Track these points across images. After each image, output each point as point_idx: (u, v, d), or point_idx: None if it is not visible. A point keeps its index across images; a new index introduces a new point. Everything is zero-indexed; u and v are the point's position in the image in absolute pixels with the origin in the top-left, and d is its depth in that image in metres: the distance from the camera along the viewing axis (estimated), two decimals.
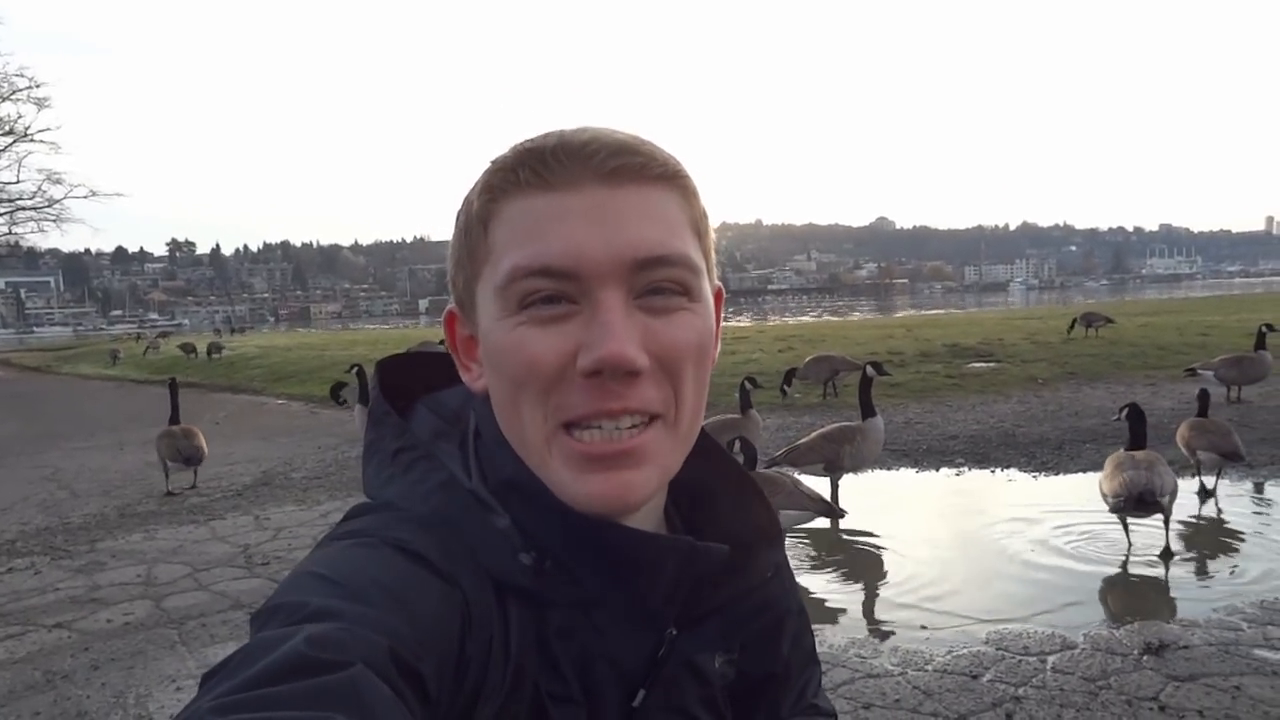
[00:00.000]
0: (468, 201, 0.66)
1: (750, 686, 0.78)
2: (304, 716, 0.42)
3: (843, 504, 6.18)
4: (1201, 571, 4.65)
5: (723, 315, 0.73)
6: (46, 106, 34.43)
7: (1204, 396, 6.30)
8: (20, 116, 34.50)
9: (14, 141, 33.11)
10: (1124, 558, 4.87)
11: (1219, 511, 5.69)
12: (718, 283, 0.71)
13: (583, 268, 0.60)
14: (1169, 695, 3.21)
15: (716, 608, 0.72)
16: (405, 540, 0.60)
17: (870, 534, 5.68)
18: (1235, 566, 4.67)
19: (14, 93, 32.36)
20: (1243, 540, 5.11)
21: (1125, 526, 5.05)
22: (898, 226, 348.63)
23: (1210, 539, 5.17)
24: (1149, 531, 5.10)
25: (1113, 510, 4.87)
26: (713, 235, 0.69)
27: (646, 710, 0.68)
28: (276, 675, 0.45)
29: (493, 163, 0.65)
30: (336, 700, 0.44)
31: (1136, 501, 4.65)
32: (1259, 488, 6.22)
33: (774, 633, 0.80)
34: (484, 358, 0.66)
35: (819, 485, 6.32)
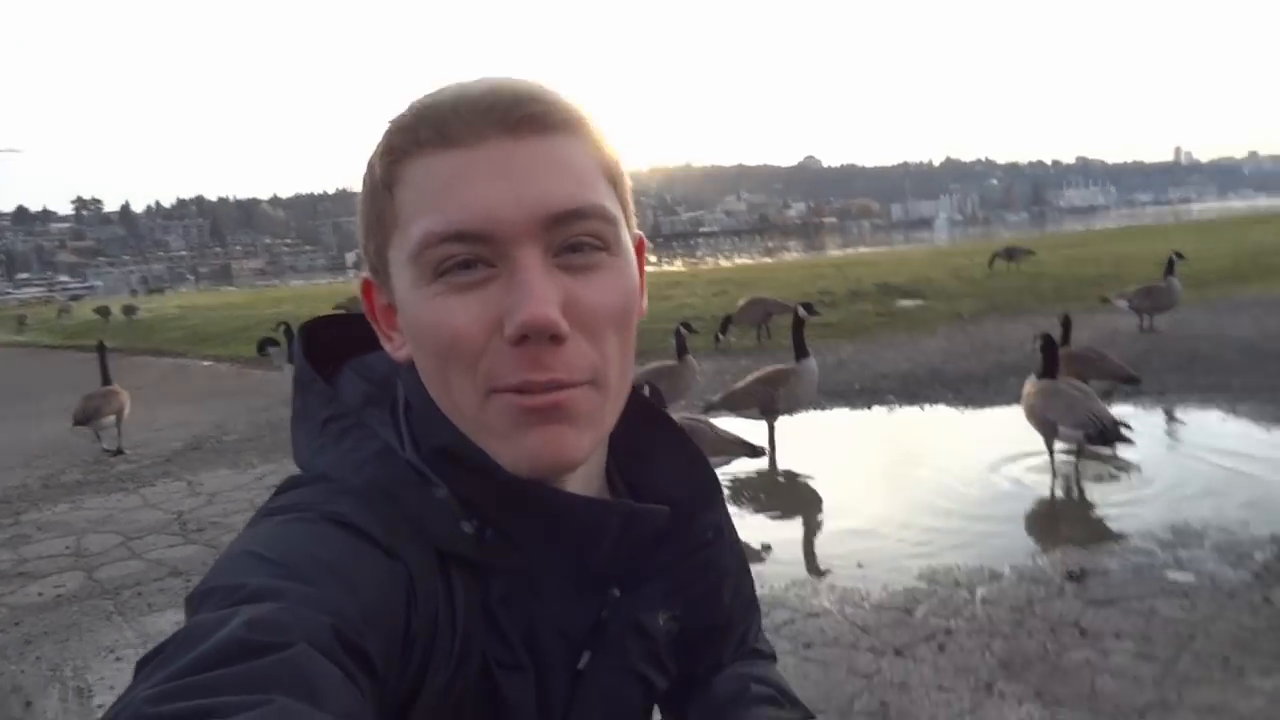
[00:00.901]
0: (370, 165, 0.63)
1: (693, 639, 0.78)
2: (244, 700, 0.41)
3: (779, 445, 6.34)
4: (1117, 498, 4.88)
5: (646, 263, 0.71)
6: None
7: (1049, 344, 5.46)
8: None
9: None
10: (1051, 487, 5.09)
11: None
12: (638, 232, 0.69)
13: (496, 229, 0.58)
14: (1089, 620, 3.39)
15: (659, 569, 0.73)
16: (343, 514, 0.58)
17: (807, 474, 5.83)
18: (1147, 491, 4.91)
19: None
20: (1154, 465, 5.35)
21: (1053, 454, 5.24)
22: (825, 165, 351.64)
23: (1122, 465, 5.39)
24: (1071, 461, 5.33)
25: (1079, 441, 4.95)
26: (629, 181, 0.67)
27: (593, 671, 0.68)
28: (215, 660, 0.44)
29: (391, 122, 0.62)
30: (279, 682, 0.43)
31: (1112, 431, 4.76)
32: (1169, 414, 6.52)
33: (715, 589, 0.80)
34: (404, 328, 0.64)
35: (756, 428, 6.45)
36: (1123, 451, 5.17)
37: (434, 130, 0.59)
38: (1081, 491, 5.01)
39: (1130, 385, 6.56)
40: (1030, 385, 5.27)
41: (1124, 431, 4.82)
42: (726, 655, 0.84)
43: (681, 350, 7.28)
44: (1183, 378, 7.41)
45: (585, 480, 0.68)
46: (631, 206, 0.67)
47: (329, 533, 0.57)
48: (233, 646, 0.44)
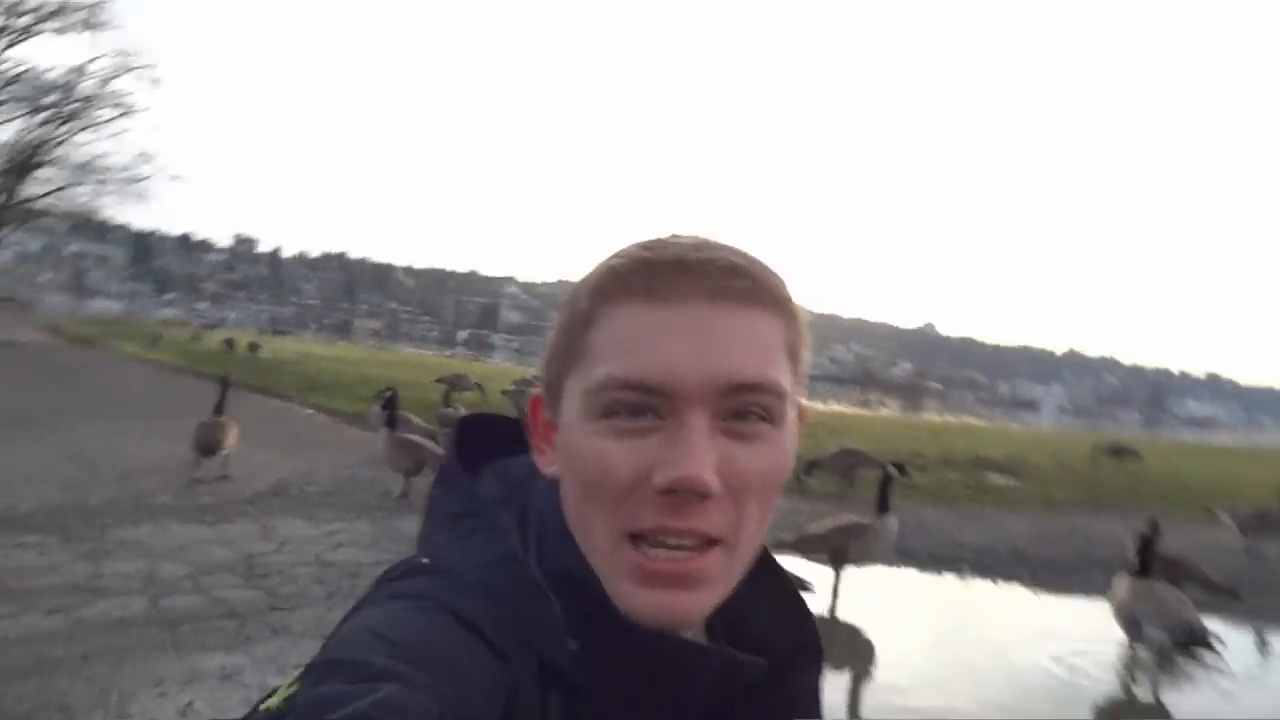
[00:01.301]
0: (575, 297, 0.67)
1: None
2: None
3: (843, 596, 6.17)
4: (1195, 711, 4.60)
5: (803, 430, 0.73)
6: (158, 86, 35.29)
7: (1148, 543, 5.32)
8: (132, 93, 35.25)
9: (119, 115, 33.27)
10: (1121, 689, 4.85)
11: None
12: (803, 402, 0.71)
13: (675, 387, 0.61)
14: None
15: (749, 718, 0.72)
16: (463, 609, 0.61)
17: (865, 628, 5.68)
18: (1229, 709, 4.64)
19: (130, 69, 32.65)
20: (1238, 683, 5.01)
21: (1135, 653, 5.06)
22: (943, 334, 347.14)
23: (1206, 679, 5.03)
24: (1150, 666, 5.08)
25: (1162, 642, 4.78)
26: (808, 355, 0.70)
27: None
28: None
29: (606, 262, 0.66)
30: None
31: (1200, 637, 4.67)
32: (1260, 634, 6.21)
33: None
34: (561, 450, 0.67)
35: (822, 575, 6.31)
36: (1211, 663, 4.87)
37: (644, 284, 0.63)
38: (1159, 700, 4.70)
39: (1226, 598, 6.27)
40: (1122, 581, 5.13)
41: (1213, 642, 4.63)
42: None
43: (883, 506, 6.56)
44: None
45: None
46: (804, 378, 0.70)
47: (448, 626, 0.59)
48: None
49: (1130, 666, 5.01)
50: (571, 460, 0.65)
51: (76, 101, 32.72)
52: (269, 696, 0.52)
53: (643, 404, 0.62)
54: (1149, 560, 5.23)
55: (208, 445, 8.59)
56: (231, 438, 8.84)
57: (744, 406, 0.63)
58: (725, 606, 0.75)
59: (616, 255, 0.67)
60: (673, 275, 0.63)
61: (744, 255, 0.66)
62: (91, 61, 32.36)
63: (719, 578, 0.64)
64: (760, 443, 0.64)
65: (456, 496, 0.73)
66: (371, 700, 0.49)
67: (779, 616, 0.77)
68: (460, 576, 0.65)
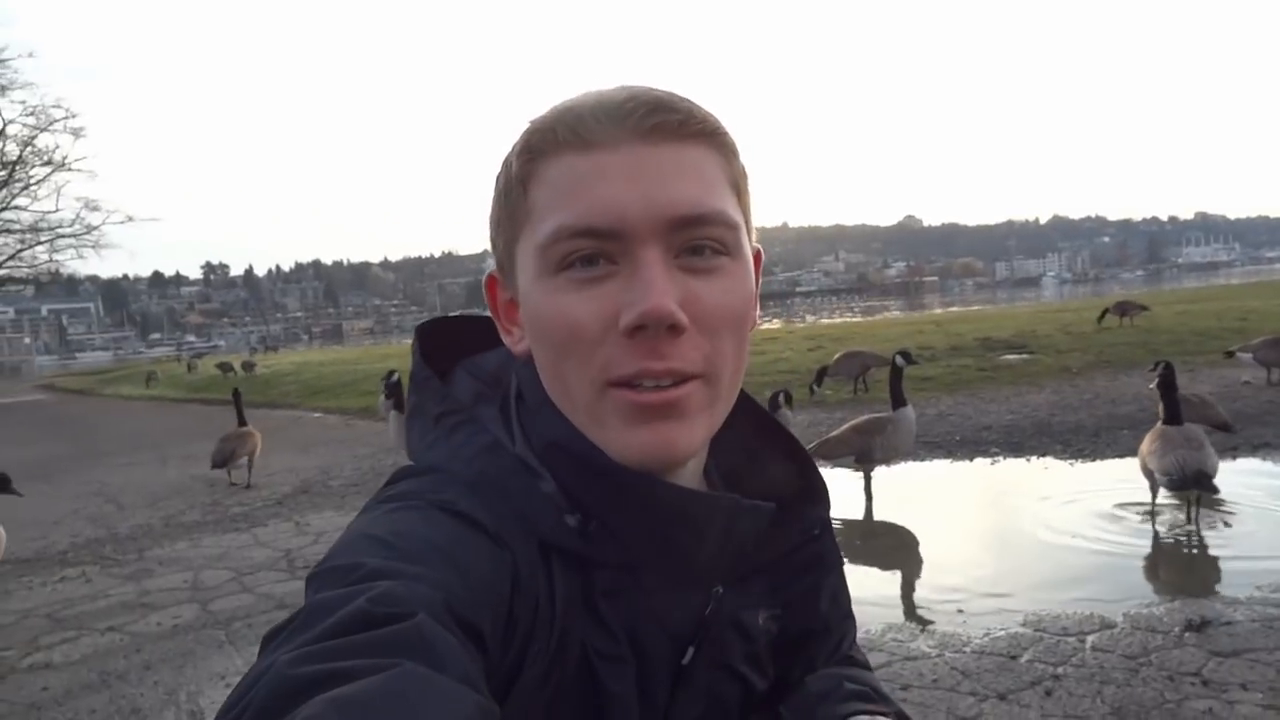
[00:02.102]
0: (506, 163, 0.66)
1: (789, 641, 0.78)
2: (376, 663, 0.44)
3: (876, 496, 6.20)
4: (1244, 549, 4.58)
5: (761, 274, 0.73)
6: (82, 136, 35.12)
7: (1167, 381, 5.24)
8: (58, 147, 35.35)
9: (53, 171, 33.77)
10: (1164, 537, 4.84)
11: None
12: (757, 245, 0.71)
13: (624, 226, 0.60)
14: (1211, 670, 3.18)
15: (762, 566, 0.73)
16: (453, 502, 0.60)
17: (905, 523, 5.68)
18: (1277, 546, 4.60)
19: (51, 124, 33.01)
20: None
21: (1186, 503, 5.09)
22: (926, 224, 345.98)
23: (1256, 515, 5.10)
24: (1200, 508, 5.10)
25: (1165, 487, 4.86)
26: (751, 194, 0.69)
27: (695, 666, 0.69)
28: (344, 630, 0.46)
29: (531, 123, 0.65)
30: (404, 648, 0.46)
31: (1193, 480, 4.67)
32: None
33: (815, 590, 0.80)
34: (525, 321, 0.67)
35: (852, 478, 6.33)
36: (1254, 503, 5.03)
37: (572, 132, 0.62)
38: (1203, 543, 4.73)
39: (1225, 432, 6.33)
40: (1150, 432, 5.12)
41: (1210, 482, 4.69)
42: (820, 661, 0.83)
43: (774, 406, 7.13)
44: None
45: (687, 475, 0.69)
46: (753, 219, 0.69)
47: (439, 519, 0.59)
48: (359, 618, 0.47)
49: (1154, 516, 5.08)
50: (536, 324, 0.64)
51: (3, 167, 32.75)
52: None
53: (595, 251, 0.61)
54: (1174, 405, 5.10)
55: (236, 453, 8.87)
56: (249, 446, 9.04)
57: (697, 241, 0.62)
58: (721, 459, 0.76)
59: (539, 115, 0.65)
60: (601, 120, 0.61)
61: (671, 93, 0.64)
62: (6, 125, 32.45)
63: (703, 409, 0.63)
64: (721, 275, 0.63)
65: (432, 399, 0.72)
66: (368, 597, 0.49)
67: (776, 463, 0.78)
68: (448, 472, 0.65)
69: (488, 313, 0.76)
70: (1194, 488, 4.76)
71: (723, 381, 0.64)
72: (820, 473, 0.79)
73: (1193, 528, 4.92)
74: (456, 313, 0.92)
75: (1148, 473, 4.97)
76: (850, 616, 0.88)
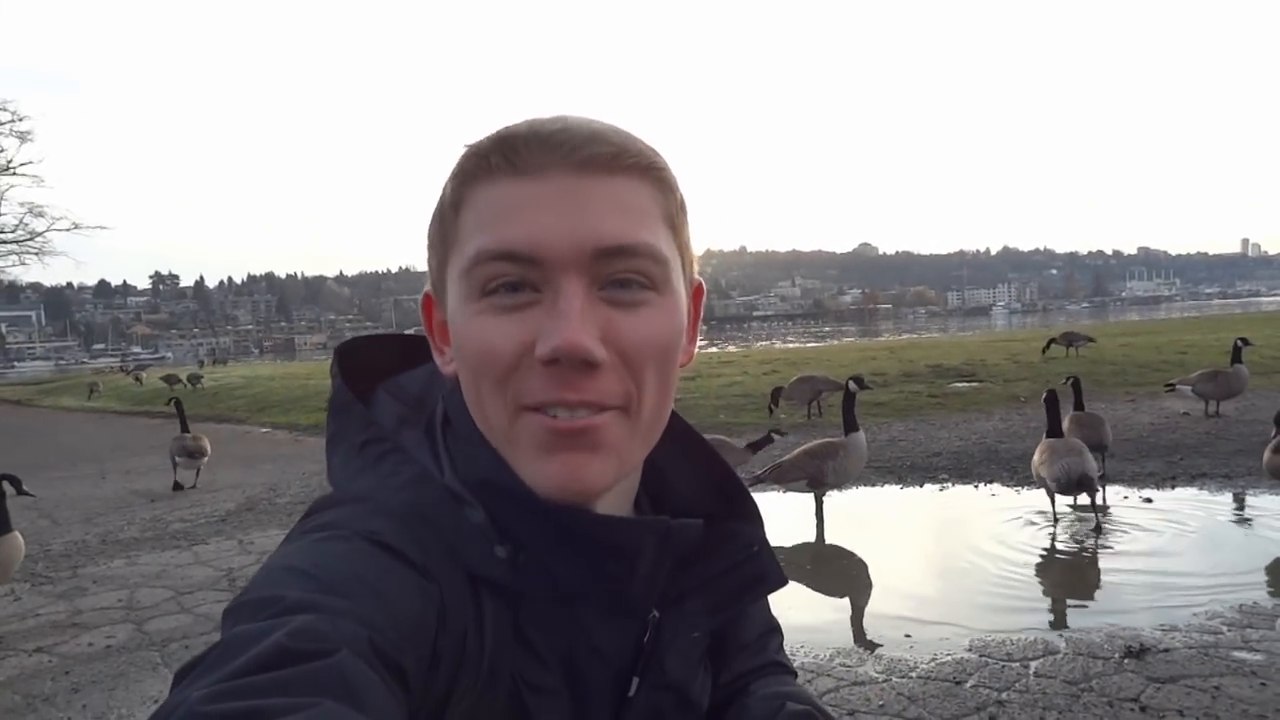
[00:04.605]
0: (443, 189, 0.66)
1: (721, 650, 0.79)
2: (293, 702, 0.42)
3: (827, 520, 6.23)
4: (1183, 576, 4.68)
5: (701, 310, 0.72)
6: (29, 140, 34.38)
7: (1052, 401, 6.16)
8: (2, 150, 34.49)
9: None
10: (1106, 565, 4.93)
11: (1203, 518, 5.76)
12: (698, 278, 0.70)
13: (545, 254, 0.59)
14: (1150, 696, 3.23)
15: (698, 586, 0.72)
16: (379, 533, 0.59)
17: (855, 547, 5.70)
18: (1214, 571, 4.70)
19: None
20: (1221, 546, 5.15)
21: (1094, 505, 5.61)
22: (880, 252, 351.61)
23: (1194, 544, 5.22)
24: (1139, 536, 5.36)
25: (1056, 492, 5.51)
26: (690, 230, 0.68)
27: (637, 696, 0.68)
28: (260, 666, 0.45)
29: (467, 148, 0.64)
30: (324, 686, 0.44)
31: (1077, 483, 5.34)
32: (1238, 498, 6.28)
33: (754, 608, 0.81)
34: (452, 342, 0.66)
35: (804, 502, 6.35)
36: (1190, 531, 5.24)
37: (504, 159, 0.61)
38: (1144, 570, 4.81)
39: (1103, 453, 6.90)
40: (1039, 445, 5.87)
41: (1093, 484, 5.34)
42: (748, 667, 0.84)
43: (850, 424, 7.17)
44: (1250, 461, 7.13)
45: (615, 504, 0.68)
46: (692, 254, 0.69)
47: (365, 550, 0.57)
48: (276, 654, 0.45)
49: (1054, 532, 5.52)
50: (459, 346, 0.64)
51: None
52: None
53: (518, 278, 0.60)
54: (1055, 420, 6.02)
55: (191, 451, 9.09)
56: (207, 445, 9.39)
57: (623, 274, 0.61)
58: (649, 482, 0.75)
59: (476, 140, 0.65)
60: (534, 148, 0.61)
61: (608, 126, 0.64)
62: None
63: (619, 442, 0.62)
64: (646, 309, 0.62)
65: (355, 426, 0.70)
66: (287, 631, 0.47)
67: (704, 481, 0.77)
68: (374, 502, 0.64)
69: (409, 331, 0.75)
70: (1080, 490, 5.38)
71: (643, 416, 0.63)
72: (743, 483, 0.78)
73: (1137, 557, 5.02)
74: (370, 333, 0.90)
75: (1040, 480, 5.57)
76: (775, 626, 0.89)
